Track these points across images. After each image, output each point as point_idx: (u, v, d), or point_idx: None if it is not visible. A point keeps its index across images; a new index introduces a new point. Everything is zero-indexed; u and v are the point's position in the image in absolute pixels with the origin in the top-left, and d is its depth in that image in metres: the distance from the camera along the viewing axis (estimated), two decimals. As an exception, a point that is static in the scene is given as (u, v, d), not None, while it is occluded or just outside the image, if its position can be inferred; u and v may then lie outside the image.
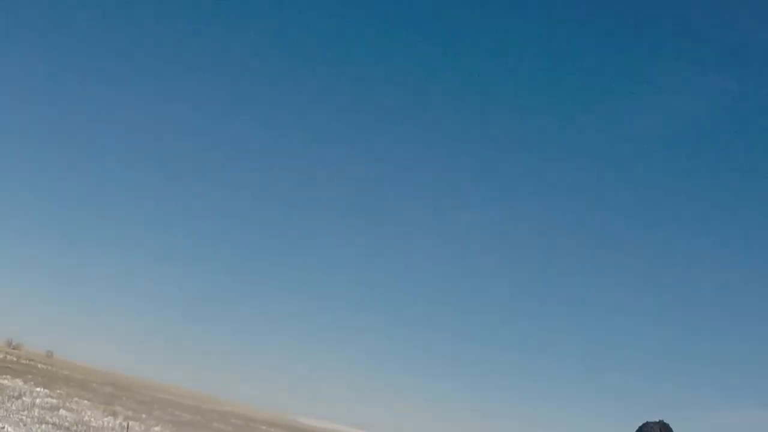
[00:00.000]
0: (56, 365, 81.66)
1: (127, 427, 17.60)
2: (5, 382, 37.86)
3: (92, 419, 28.43)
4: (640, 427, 5.44)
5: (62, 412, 29.03)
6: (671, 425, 5.48)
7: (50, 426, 22.85)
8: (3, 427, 19.95)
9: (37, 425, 22.30)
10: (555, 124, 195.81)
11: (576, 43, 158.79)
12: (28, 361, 67.52)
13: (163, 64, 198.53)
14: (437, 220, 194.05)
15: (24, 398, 32.30)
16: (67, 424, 24.38)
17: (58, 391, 42.57)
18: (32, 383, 42.23)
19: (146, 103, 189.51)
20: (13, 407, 26.42)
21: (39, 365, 69.75)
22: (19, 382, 40.33)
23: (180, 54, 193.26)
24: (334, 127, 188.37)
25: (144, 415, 40.02)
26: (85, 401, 40.64)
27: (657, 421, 5.43)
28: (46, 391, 38.77)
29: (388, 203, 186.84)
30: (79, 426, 23.00)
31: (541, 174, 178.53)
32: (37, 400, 32.69)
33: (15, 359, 65.43)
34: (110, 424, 25.42)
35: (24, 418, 23.63)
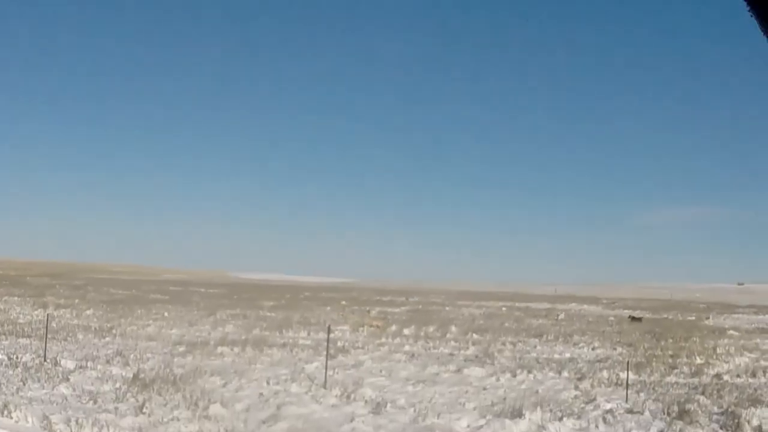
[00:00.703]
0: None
1: (47, 318, 19.21)
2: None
3: (21, 315, 29.81)
4: None
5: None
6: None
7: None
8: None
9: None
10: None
11: None
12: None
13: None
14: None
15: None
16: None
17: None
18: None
19: None
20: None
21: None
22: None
23: None
24: None
25: (77, 300, 41.94)
26: (15, 297, 42.12)
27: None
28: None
29: None
30: (5, 325, 24.26)
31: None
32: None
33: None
34: (40, 317, 26.82)
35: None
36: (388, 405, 12.52)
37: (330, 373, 16.05)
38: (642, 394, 14.83)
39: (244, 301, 51.05)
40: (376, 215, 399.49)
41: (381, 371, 16.90)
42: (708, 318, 47.28)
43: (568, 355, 22.60)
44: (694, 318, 46.98)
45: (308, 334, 26.42)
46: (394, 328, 29.81)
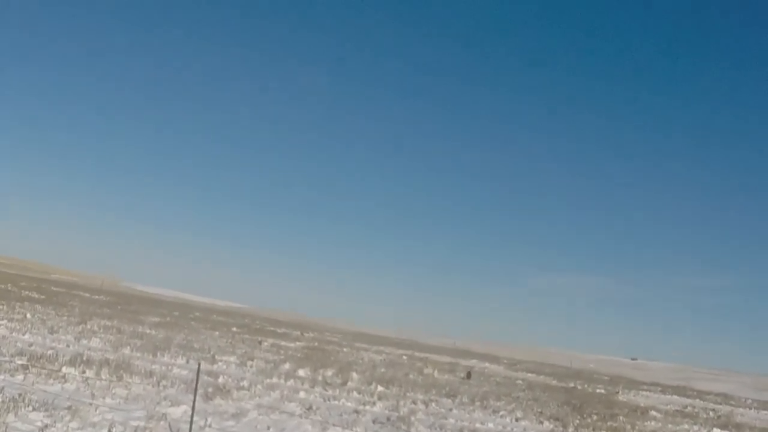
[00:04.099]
0: None
1: None
2: None
3: None
4: None
5: None
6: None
7: None
8: None
9: None
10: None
11: None
12: None
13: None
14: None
15: None
16: None
17: None
18: None
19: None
20: None
21: None
22: None
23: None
24: None
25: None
26: None
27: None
28: None
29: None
30: None
31: None
32: None
33: None
34: None
35: None
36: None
37: (200, 424, 12.09)
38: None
39: (127, 313, 45.98)
40: (280, 243, 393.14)
41: (268, 428, 12.97)
42: (617, 392, 44.88)
43: (491, 426, 19.16)
44: (603, 391, 44.46)
45: (187, 361, 22.24)
46: (287, 366, 25.88)
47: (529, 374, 53.28)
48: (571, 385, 46.54)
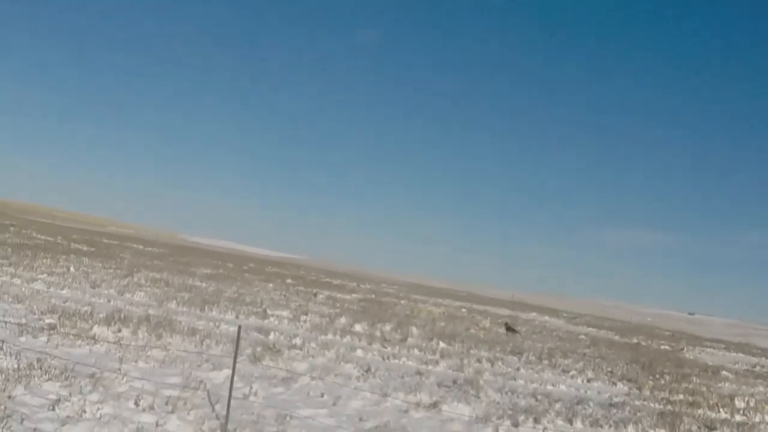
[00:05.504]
0: None
1: None
2: None
3: None
4: None
5: None
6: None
7: None
8: None
9: None
10: None
11: None
12: None
13: None
14: None
15: None
16: None
17: None
18: None
19: None
20: None
21: None
22: None
23: None
24: None
25: None
26: None
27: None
28: None
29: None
30: None
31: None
32: None
33: None
34: None
35: None
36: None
37: (245, 391, 10.50)
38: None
39: (178, 264, 45.02)
40: (337, 196, 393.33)
41: (322, 395, 11.36)
42: (682, 349, 42.73)
43: (563, 388, 17.39)
44: (668, 348, 42.33)
45: (236, 316, 20.86)
46: (343, 320, 24.39)
47: (590, 328, 51.29)
48: (635, 341, 44.49)
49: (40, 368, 9.52)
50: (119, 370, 10.35)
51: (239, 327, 9.42)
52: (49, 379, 9.09)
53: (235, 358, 8.75)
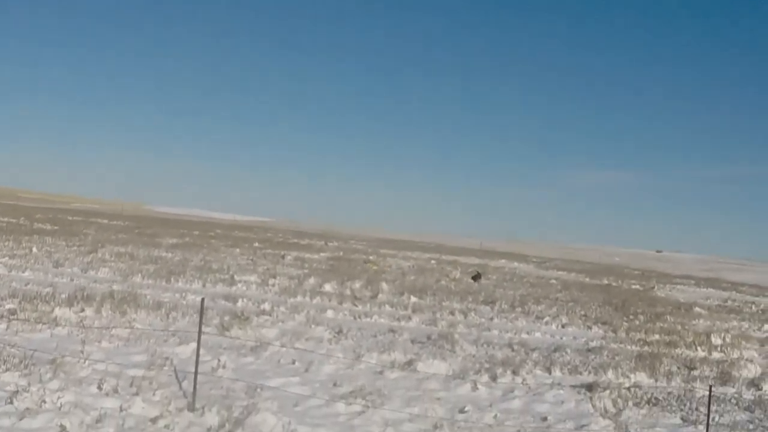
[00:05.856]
0: None
1: None
2: None
3: None
4: None
5: None
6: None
7: None
8: None
9: None
10: None
11: None
12: None
13: None
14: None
15: None
16: None
17: None
18: None
19: None
20: None
21: None
22: None
23: None
24: None
25: None
26: None
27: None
28: None
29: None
30: None
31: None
32: None
33: None
34: None
35: None
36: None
37: (213, 364, 10.20)
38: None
39: (143, 237, 44.33)
40: (303, 155, 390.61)
41: (293, 362, 11.09)
42: (653, 288, 43.19)
43: (539, 335, 17.38)
44: (639, 287, 42.75)
45: (203, 285, 20.51)
46: (312, 281, 24.15)
47: (560, 272, 51.65)
48: (605, 282, 44.91)
49: (-2, 358, 9.13)
50: (81, 353, 9.99)
51: (202, 299, 9.09)
52: (7, 370, 8.71)
53: (200, 331, 8.43)
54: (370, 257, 36.88)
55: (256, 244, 47.27)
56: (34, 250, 26.67)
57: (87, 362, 9.44)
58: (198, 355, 8.39)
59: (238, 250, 39.07)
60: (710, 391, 8.84)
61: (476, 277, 33.38)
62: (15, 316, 12.10)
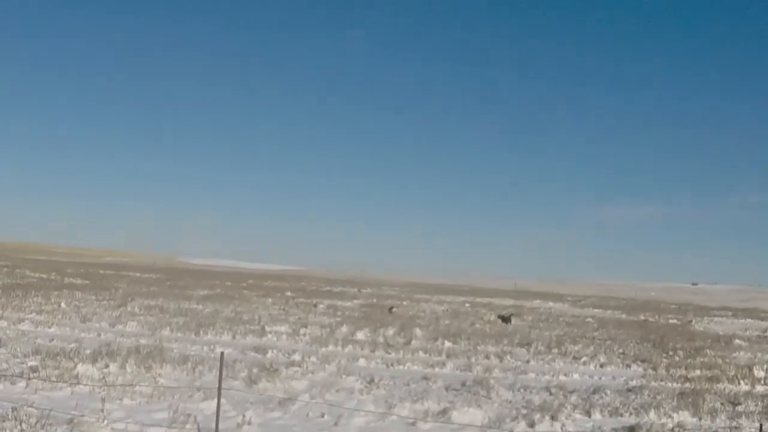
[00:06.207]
0: None
1: None
2: None
3: None
4: None
5: None
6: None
7: None
8: None
9: None
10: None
11: None
12: None
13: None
14: None
15: None
16: None
17: None
18: None
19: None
20: None
21: None
22: None
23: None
24: None
25: None
26: None
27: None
28: None
29: None
30: None
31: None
32: None
33: None
34: None
35: None
36: None
37: (237, 420, 9.80)
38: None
39: (175, 288, 44.29)
40: (334, 203, 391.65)
41: (322, 415, 10.64)
42: (691, 322, 42.18)
43: (577, 377, 16.75)
44: (677, 321, 41.77)
45: (233, 337, 20.16)
46: (344, 329, 23.71)
47: (596, 310, 50.75)
48: (642, 317, 43.99)
49: (15, 419, 8.82)
50: (101, 411, 9.65)
51: (222, 353, 8.72)
52: (23, 431, 8.38)
53: (220, 386, 8.07)
54: (393, 308, 36.33)
55: (289, 294, 46.97)
56: (63, 305, 26.58)
57: (106, 421, 9.09)
58: (218, 411, 8.01)
59: (270, 299, 38.77)
60: (761, 428, 8.26)
61: (506, 319, 32.72)
62: (36, 374, 11.82)
